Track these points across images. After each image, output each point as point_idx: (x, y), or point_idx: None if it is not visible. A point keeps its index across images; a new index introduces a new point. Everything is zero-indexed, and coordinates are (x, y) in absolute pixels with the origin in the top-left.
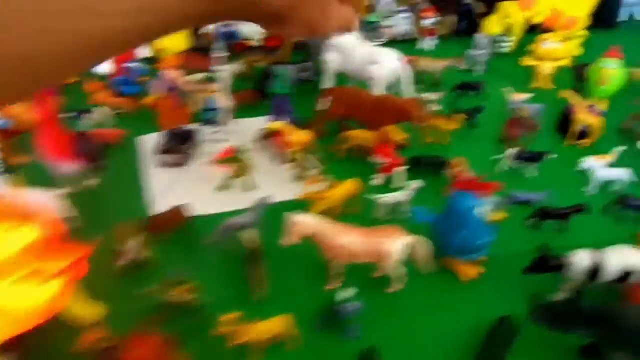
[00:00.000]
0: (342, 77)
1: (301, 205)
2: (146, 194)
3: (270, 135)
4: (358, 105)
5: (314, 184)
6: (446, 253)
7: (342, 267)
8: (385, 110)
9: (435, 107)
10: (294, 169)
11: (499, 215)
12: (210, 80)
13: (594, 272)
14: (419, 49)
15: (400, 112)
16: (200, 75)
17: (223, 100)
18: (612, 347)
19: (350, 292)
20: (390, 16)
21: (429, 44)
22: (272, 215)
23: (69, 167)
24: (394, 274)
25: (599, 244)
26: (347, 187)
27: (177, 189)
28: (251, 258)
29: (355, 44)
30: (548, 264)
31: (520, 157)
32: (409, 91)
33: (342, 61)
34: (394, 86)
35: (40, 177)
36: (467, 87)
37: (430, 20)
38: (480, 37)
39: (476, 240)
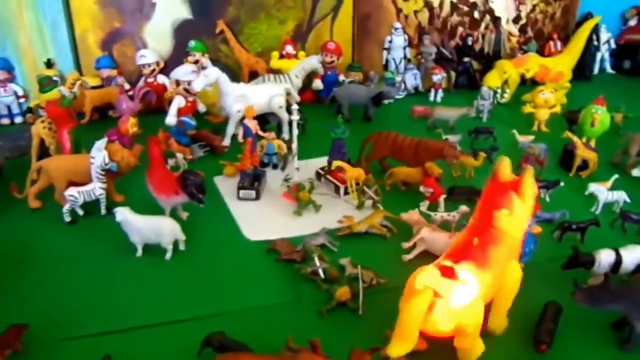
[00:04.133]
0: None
1: None
2: (237, 220)
3: (329, 172)
4: (399, 146)
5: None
6: None
7: None
8: (423, 150)
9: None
10: (353, 199)
11: (537, 229)
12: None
13: (616, 266)
14: (431, 101)
15: (436, 151)
16: None
17: (282, 145)
18: (635, 316)
19: None
20: (401, 73)
21: (437, 96)
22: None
23: (174, 199)
24: None
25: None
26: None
27: (258, 218)
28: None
29: (250, 89)
30: (580, 259)
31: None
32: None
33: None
34: None
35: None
36: (481, 131)
37: (438, 76)
38: (485, 90)
39: (525, 247)
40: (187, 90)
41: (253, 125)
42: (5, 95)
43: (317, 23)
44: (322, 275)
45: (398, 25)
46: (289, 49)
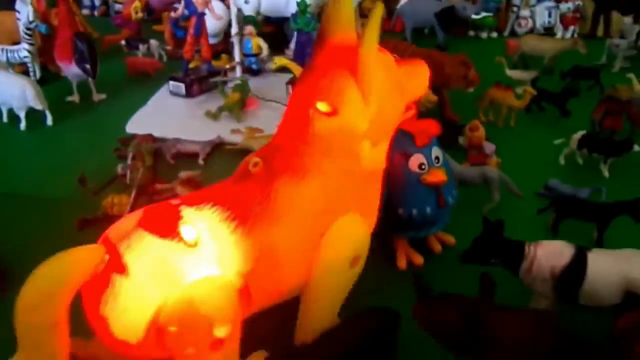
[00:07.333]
0: None
1: None
2: (138, 109)
3: (294, 83)
4: (399, 56)
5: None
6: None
7: None
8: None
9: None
10: None
11: (437, 175)
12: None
13: (572, 277)
14: None
15: (439, 66)
16: None
17: (263, 46)
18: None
19: None
20: (532, 5)
21: (565, 36)
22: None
23: (71, 69)
24: None
25: None
26: None
27: (160, 112)
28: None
29: None
30: (493, 246)
31: (588, 144)
32: None
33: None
34: None
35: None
36: (581, 72)
37: (567, 4)
38: (627, 23)
39: (410, 208)
40: None
41: (201, 0)
42: None
43: None
44: (127, 178)
45: None
46: None
